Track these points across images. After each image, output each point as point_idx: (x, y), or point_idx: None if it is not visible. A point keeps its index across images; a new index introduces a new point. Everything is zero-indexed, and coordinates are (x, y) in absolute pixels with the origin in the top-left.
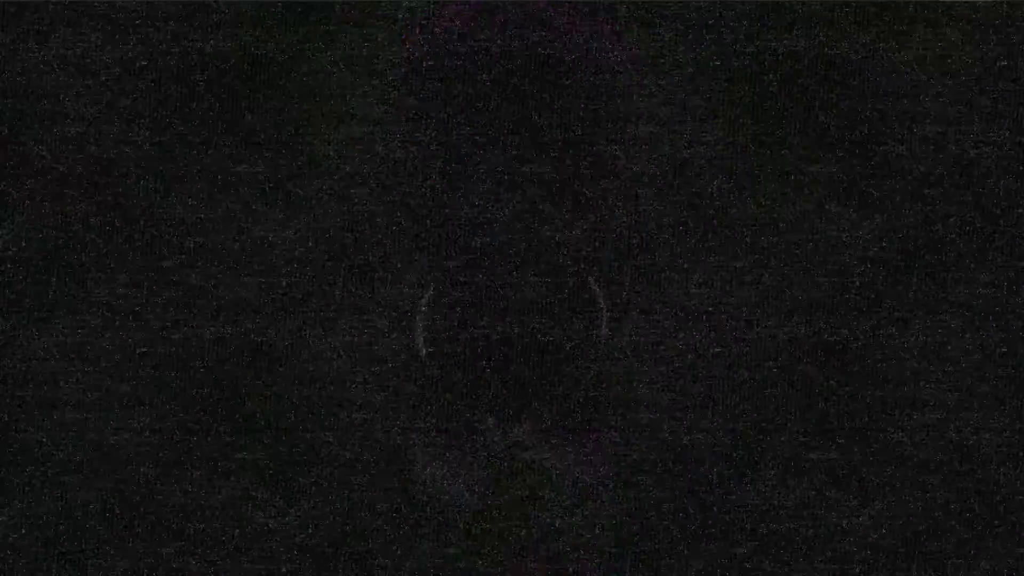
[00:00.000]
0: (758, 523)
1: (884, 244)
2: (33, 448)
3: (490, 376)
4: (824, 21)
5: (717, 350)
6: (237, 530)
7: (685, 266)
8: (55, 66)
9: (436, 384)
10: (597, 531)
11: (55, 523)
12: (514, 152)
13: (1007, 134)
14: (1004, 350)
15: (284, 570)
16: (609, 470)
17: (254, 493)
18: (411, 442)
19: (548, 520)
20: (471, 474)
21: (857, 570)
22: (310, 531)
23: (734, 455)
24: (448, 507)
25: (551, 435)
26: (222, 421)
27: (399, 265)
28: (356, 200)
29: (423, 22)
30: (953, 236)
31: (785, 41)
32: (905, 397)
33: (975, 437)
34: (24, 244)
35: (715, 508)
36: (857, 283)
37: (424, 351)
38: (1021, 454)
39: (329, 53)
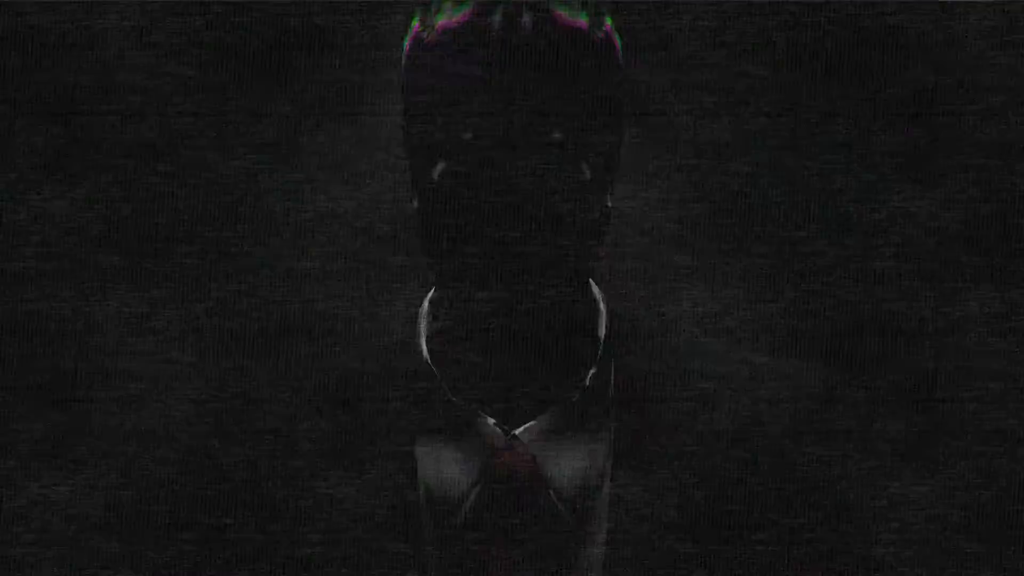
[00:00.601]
0: (820, 494)
1: (947, 216)
2: (96, 418)
3: (491, 376)
4: None
5: (780, 320)
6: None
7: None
8: (114, 38)
9: (437, 383)
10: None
11: (118, 493)
12: (518, 146)
13: None
14: None
15: (348, 537)
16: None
17: (319, 463)
18: (413, 438)
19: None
20: (469, 461)
21: (920, 541)
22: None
23: (796, 426)
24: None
25: (551, 435)
26: (281, 391)
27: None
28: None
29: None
30: (1017, 208)
31: (847, 9)
32: (968, 368)
33: None
34: (87, 216)
35: (777, 478)
36: (920, 254)
37: (425, 350)
38: None
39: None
